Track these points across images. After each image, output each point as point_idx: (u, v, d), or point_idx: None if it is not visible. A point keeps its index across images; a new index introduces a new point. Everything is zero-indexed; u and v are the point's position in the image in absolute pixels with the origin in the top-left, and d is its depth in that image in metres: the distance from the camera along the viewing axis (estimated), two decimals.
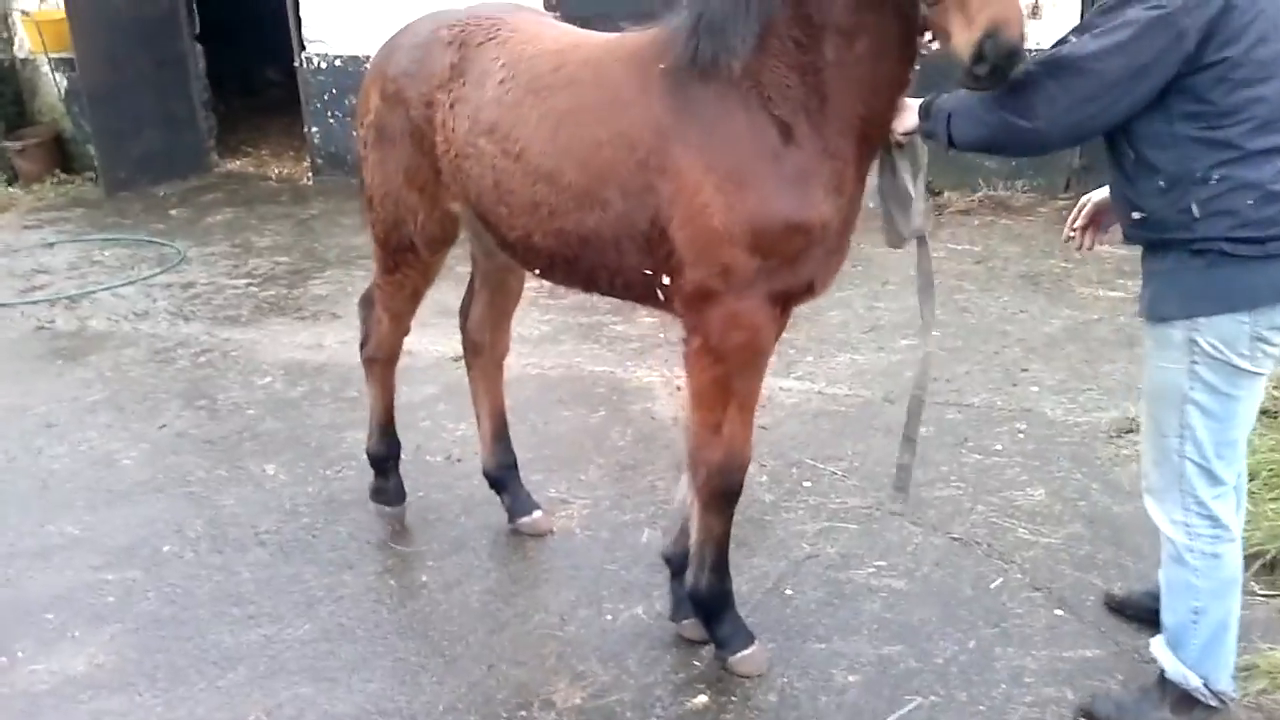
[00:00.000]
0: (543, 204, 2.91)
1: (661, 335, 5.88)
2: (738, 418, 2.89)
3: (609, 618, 3.50)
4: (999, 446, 4.46)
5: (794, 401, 5.00)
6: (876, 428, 4.68)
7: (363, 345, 3.91)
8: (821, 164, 2.70)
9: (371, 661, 3.33)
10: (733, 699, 3.10)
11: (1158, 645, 2.85)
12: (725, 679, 3.18)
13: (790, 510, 4.06)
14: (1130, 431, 4.47)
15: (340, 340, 5.99)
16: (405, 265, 3.54)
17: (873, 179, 2.93)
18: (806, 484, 4.25)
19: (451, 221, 3.39)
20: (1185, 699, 2.79)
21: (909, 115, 2.75)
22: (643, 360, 5.58)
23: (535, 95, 2.95)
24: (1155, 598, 3.10)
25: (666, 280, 2.82)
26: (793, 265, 2.76)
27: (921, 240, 2.98)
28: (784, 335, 3.21)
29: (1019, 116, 2.51)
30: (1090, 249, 3.07)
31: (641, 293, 2.96)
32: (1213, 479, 2.66)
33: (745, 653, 3.17)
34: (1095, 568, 3.60)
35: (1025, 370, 5.18)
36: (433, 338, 5.53)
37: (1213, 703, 2.78)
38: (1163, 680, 2.83)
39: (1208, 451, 2.63)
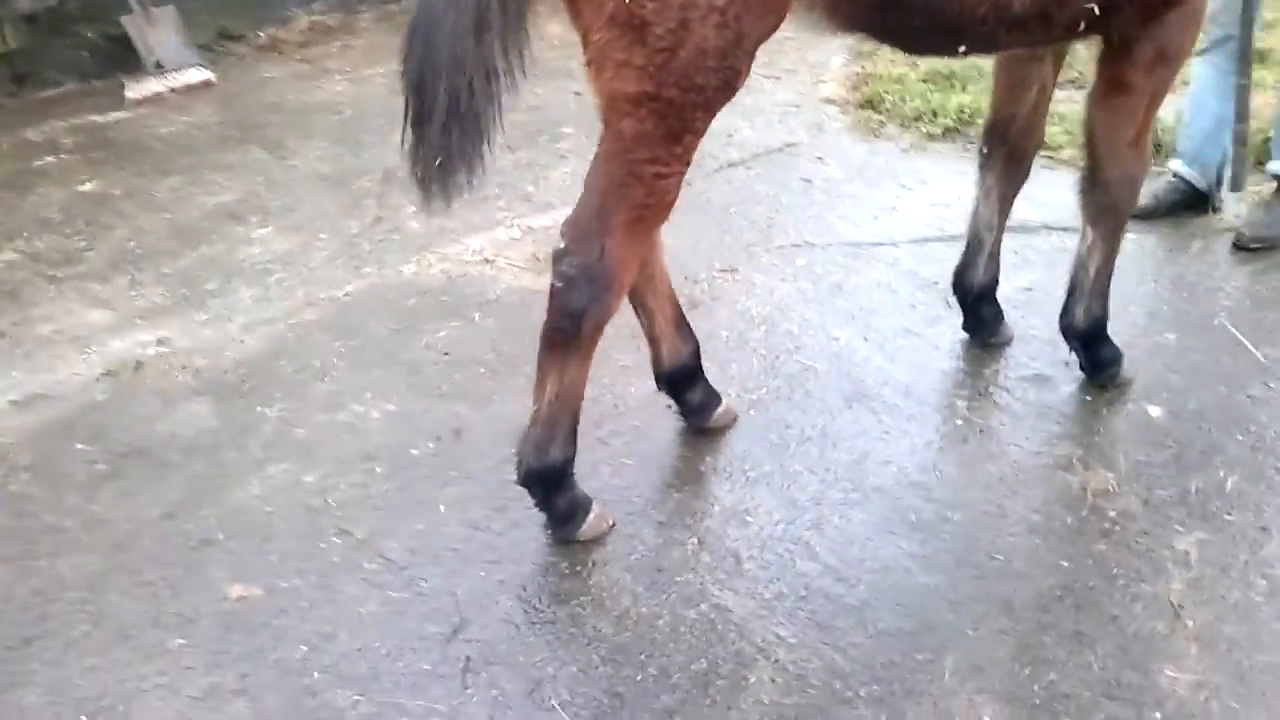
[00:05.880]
0: None
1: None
2: (1152, 123, 2.78)
3: None
4: (887, 280, 3.63)
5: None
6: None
7: (584, 310, 2.33)
8: None
9: None
10: None
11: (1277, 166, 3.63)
12: None
13: (795, 406, 2.93)
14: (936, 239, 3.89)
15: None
16: (709, 116, 2.26)
17: None
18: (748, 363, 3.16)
19: None
20: None
21: None
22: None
23: None
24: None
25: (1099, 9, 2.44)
26: None
27: None
28: None
29: None
30: None
31: (1063, 34, 2.54)
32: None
33: (1123, 362, 3.03)
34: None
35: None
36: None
37: None
38: None
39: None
